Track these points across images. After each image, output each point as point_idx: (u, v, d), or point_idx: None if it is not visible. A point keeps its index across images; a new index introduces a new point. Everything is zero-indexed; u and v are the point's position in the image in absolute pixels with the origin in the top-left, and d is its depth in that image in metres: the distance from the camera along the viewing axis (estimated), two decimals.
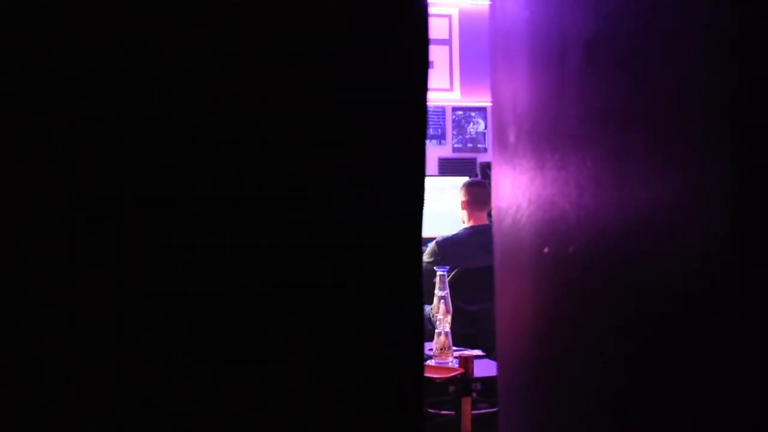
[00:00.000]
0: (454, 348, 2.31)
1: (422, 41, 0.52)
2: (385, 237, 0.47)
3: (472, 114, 5.25)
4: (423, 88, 0.52)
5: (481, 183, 3.46)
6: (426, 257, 2.97)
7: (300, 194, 0.42)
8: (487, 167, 4.50)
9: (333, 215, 0.43)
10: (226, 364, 0.41)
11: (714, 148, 0.48)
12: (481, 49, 5.13)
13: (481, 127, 5.27)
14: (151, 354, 0.40)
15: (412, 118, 0.51)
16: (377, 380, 0.45)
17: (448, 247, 3.02)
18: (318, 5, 0.42)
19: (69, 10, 0.39)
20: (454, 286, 2.54)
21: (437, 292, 2.27)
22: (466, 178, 5.06)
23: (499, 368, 0.84)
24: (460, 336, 2.53)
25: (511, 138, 0.75)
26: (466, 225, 3.38)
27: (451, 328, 2.29)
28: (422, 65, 0.52)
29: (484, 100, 5.28)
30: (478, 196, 3.27)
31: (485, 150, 5.27)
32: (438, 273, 2.29)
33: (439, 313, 2.26)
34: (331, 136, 0.44)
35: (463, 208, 3.44)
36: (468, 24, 5.20)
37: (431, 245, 3.12)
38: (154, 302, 0.40)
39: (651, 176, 0.56)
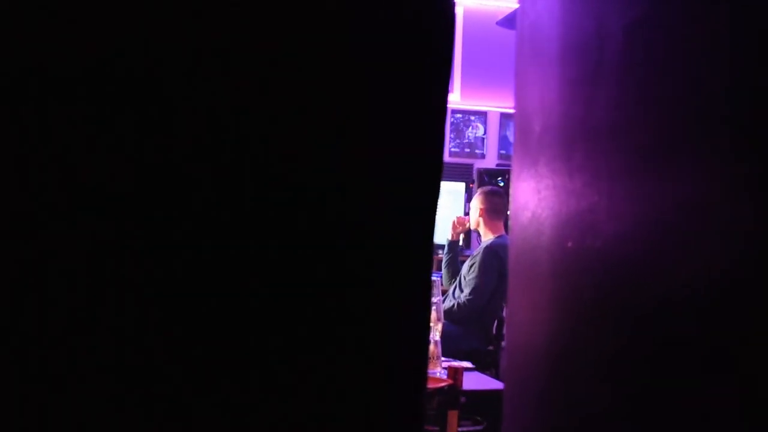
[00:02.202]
0: (443, 358, 2.33)
1: (446, 34, 0.52)
2: (395, 239, 0.48)
3: (472, 118, 5.29)
4: (444, 86, 0.53)
5: (499, 192, 3.54)
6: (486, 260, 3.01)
7: (305, 194, 0.44)
8: (485, 174, 4.54)
9: (341, 216, 0.45)
10: (228, 364, 0.43)
11: (746, 145, 0.51)
12: (485, 50, 5.17)
13: (480, 132, 5.31)
14: (151, 354, 0.42)
15: (431, 117, 0.52)
16: (379, 383, 0.47)
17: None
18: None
19: (68, 9, 0.41)
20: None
21: None
22: (461, 185, 5.12)
23: (507, 371, 0.87)
24: None
25: (536, 130, 0.78)
26: (484, 234, 3.45)
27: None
28: (445, 60, 0.52)
29: (486, 104, 5.32)
30: (496, 205, 3.36)
31: (483, 156, 5.31)
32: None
33: (430, 320, 2.29)
34: (342, 135, 0.45)
35: (480, 216, 3.48)
36: (472, 24, 5.22)
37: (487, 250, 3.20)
38: (154, 302, 0.42)
39: (679, 178, 0.58)
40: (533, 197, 0.78)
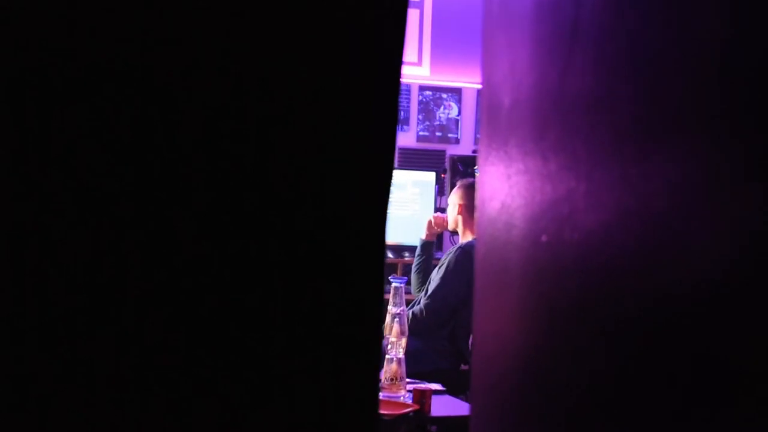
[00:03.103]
0: (408, 380, 2.33)
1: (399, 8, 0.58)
2: (342, 239, 0.55)
3: (444, 96, 5.31)
4: (395, 64, 0.59)
5: None
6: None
7: (306, 194, 0.53)
8: (459, 162, 4.56)
9: (290, 214, 0.53)
10: (229, 364, 0.51)
11: (750, 119, 0.52)
12: (460, 15, 5.19)
13: (454, 112, 5.34)
14: (151, 354, 0.49)
15: (379, 100, 0.58)
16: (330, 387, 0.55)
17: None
18: None
19: (68, 9, 0.48)
20: None
21: (391, 308, 2.29)
22: (431, 175, 5.13)
23: (473, 393, 0.87)
24: None
25: (505, 104, 0.78)
26: (462, 235, 3.46)
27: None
28: (397, 35, 0.59)
29: (460, 79, 5.35)
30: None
31: (457, 141, 5.33)
32: (393, 284, 2.31)
33: (392, 334, 2.28)
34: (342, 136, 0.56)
35: (458, 213, 3.50)
36: None
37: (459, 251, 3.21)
38: (155, 302, 0.49)
39: (670, 159, 0.59)
40: (503, 184, 0.79)
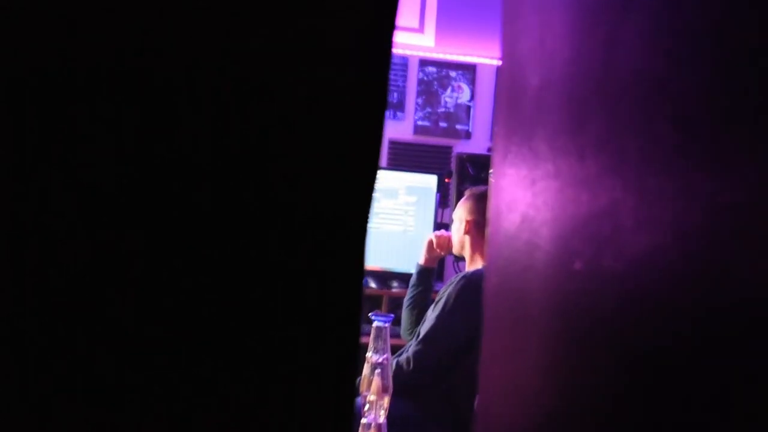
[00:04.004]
0: None
1: None
2: (315, 262, 0.67)
3: (452, 74, 5.32)
4: (386, 27, 0.69)
5: None
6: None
7: (308, 194, 0.66)
8: (469, 163, 4.57)
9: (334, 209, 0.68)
10: (229, 364, 0.65)
11: None
12: None
13: (465, 96, 5.35)
14: (151, 354, 0.62)
15: (360, 72, 0.68)
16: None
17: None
18: None
19: (69, 9, 0.60)
20: None
21: (371, 356, 2.28)
22: (431, 179, 5.12)
23: None
24: None
25: (532, 86, 0.78)
26: (470, 261, 3.45)
27: None
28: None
29: (474, 53, 5.37)
30: None
31: (468, 135, 5.34)
32: (374, 324, 2.30)
33: (371, 391, 2.27)
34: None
35: (466, 232, 3.50)
36: None
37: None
38: (155, 302, 0.62)
39: (754, 163, 0.59)
40: (525, 192, 0.78)
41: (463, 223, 3.54)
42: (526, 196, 0.78)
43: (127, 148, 0.61)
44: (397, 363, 3.28)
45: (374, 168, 0.70)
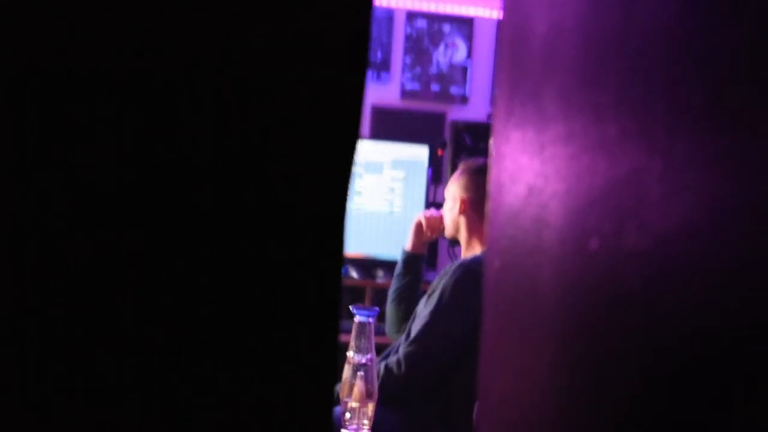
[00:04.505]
0: None
1: None
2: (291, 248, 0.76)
3: (445, 29, 5.31)
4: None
5: None
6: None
7: (309, 194, 0.76)
8: (466, 131, 4.58)
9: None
10: (230, 364, 0.74)
11: None
12: None
13: (461, 54, 5.35)
14: (151, 354, 0.70)
15: (341, 37, 0.77)
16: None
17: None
18: None
19: (69, 9, 0.68)
20: None
21: (352, 356, 2.28)
22: (422, 150, 5.11)
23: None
24: None
25: (539, 36, 0.77)
26: (466, 245, 3.44)
27: None
28: None
29: (472, 4, 5.37)
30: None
31: (464, 100, 5.34)
32: (357, 319, 2.30)
33: (353, 397, 2.28)
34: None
35: (461, 212, 3.50)
36: None
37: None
38: (155, 303, 0.71)
39: None
40: (532, 159, 0.78)
41: (458, 202, 3.55)
42: (533, 165, 0.78)
43: (127, 148, 0.70)
44: (386, 366, 3.28)
45: (351, 142, 0.78)
